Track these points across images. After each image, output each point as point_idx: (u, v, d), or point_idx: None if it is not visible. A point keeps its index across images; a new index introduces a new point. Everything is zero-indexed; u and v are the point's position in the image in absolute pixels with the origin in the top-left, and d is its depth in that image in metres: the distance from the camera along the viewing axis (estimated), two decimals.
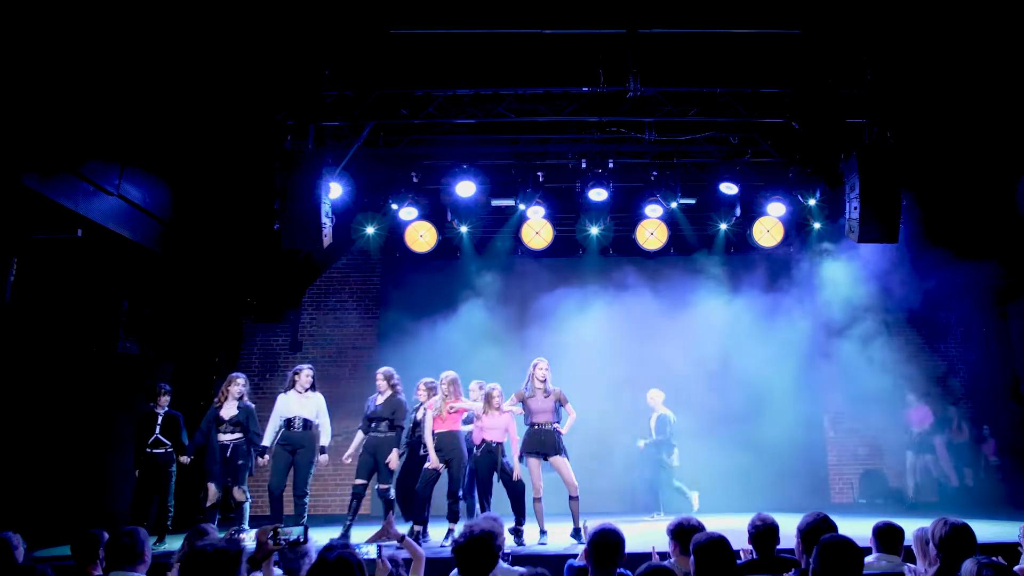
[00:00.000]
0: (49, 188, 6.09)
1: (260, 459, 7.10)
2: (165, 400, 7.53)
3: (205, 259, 8.97)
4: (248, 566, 3.14)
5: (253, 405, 7.40)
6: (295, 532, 3.29)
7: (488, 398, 6.93)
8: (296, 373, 7.36)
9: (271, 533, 3.27)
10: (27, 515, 6.73)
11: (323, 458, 7.21)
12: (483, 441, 6.89)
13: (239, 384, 7.29)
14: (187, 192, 8.24)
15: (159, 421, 7.41)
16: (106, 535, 3.83)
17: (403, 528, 6.86)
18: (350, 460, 7.31)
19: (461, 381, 7.21)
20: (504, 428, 6.90)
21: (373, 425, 7.15)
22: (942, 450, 9.75)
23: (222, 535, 4.50)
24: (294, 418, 7.12)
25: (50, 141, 6.04)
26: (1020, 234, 8.74)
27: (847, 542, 2.96)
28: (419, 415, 7.32)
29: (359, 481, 7.10)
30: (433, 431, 6.90)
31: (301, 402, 7.21)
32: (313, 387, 7.34)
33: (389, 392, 7.22)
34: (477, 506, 7.11)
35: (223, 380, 7.66)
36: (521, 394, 7.04)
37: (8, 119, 5.57)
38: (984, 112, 8.08)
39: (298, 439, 7.09)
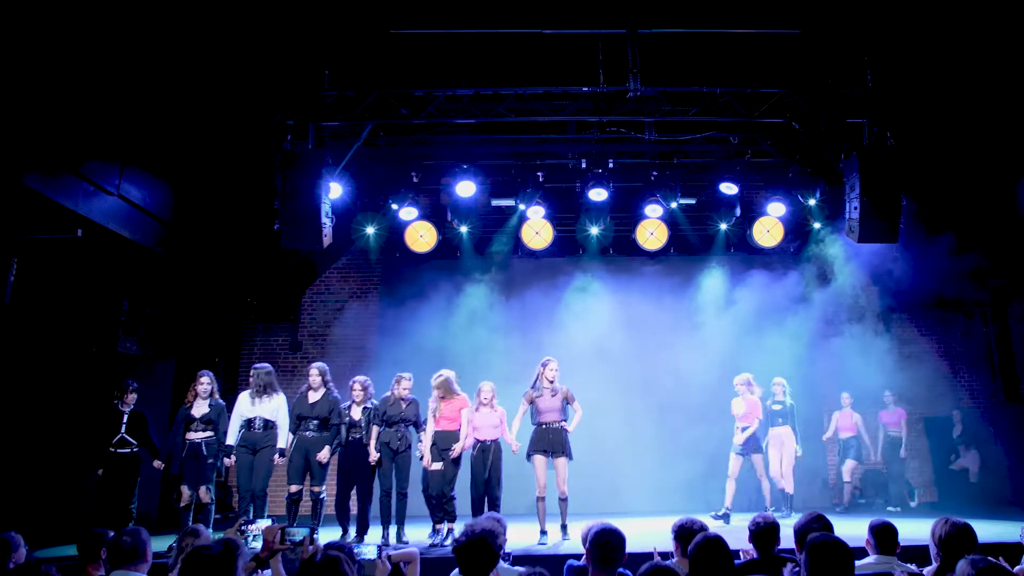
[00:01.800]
0: (49, 188, 6.09)
1: (227, 459, 6.93)
2: (132, 398, 7.35)
3: (205, 259, 8.97)
4: (253, 564, 3.16)
5: (224, 403, 7.22)
6: (300, 533, 3.29)
7: (478, 394, 7.00)
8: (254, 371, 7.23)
9: (278, 533, 3.27)
10: (28, 515, 6.74)
11: (280, 460, 6.99)
12: (476, 440, 6.92)
13: (203, 383, 7.10)
14: (187, 192, 8.24)
15: (124, 419, 7.25)
16: (111, 534, 3.83)
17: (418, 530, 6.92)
18: (283, 461, 7.05)
19: (461, 380, 7.23)
20: (495, 426, 6.94)
21: (303, 424, 7.02)
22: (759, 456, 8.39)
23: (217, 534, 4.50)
24: (254, 418, 6.95)
25: (50, 141, 6.04)
26: (1020, 234, 8.74)
27: (836, 542, 2.95)
28: (355, 415, 7.20)
29: (294, 488, 6.96)
30: (434, 430, 6.95)
31: (261, 402, 7.05)
32: (273, 387, 7.15)
33: (323, 390, 7.12)
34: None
35: (223, 380, 7.61)
36: (531, 394, 7.10)
37: (9, 119, 5.57)
38: (984, 112, 8.08)
39: (259, 439, 6.92)
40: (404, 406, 7.06)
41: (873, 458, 9.78)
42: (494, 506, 6.83)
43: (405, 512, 7.03)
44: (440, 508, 6.82)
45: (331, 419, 7.06)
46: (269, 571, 3.29)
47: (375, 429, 7.03)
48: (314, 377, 7.14)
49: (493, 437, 6.92)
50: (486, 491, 6.85)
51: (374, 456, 6.96)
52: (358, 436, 7.11)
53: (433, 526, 6.94)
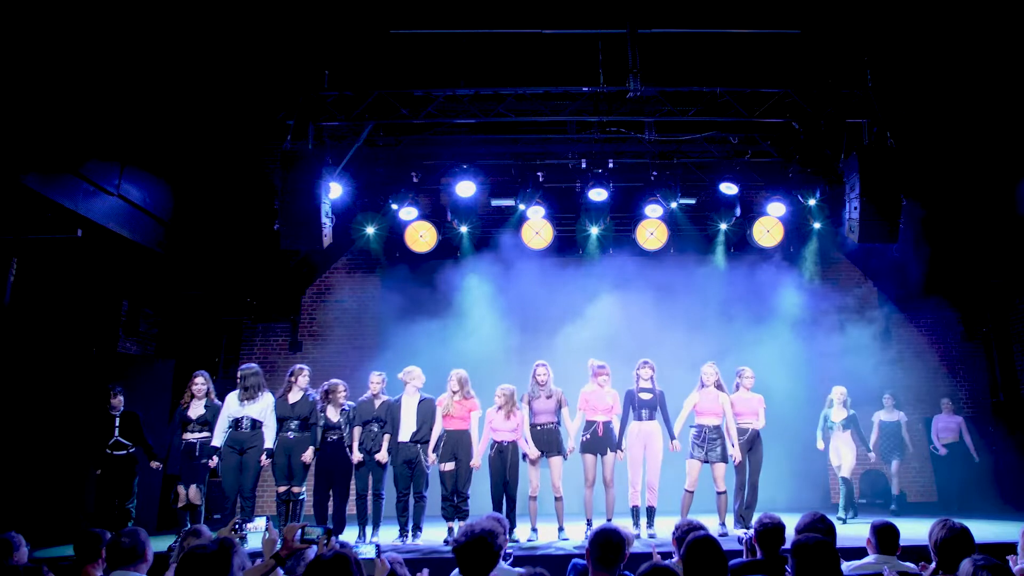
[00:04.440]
0: (49, 188, 6.09)
1: (211, 460, 6.89)
2: (119, 401, 7.33)
3: (205, 259, 8.97)
4: (272, 562, 3.16)
5: (220, 404, 7.16)
6: (315, 532, 3.29)
7: (504, 398, 6.98)
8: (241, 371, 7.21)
9: (298, 532, 3.28)
10: (28, 515, 6.75)
11: (266, 461, 6.95)
12: (494, 442, 6.96)
13: (197, 383, 7.11)
14: (187, 192, 8.24)
15: (116, 423, 7.23)
16: (108, 534, 3.83)
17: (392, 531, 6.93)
18: (268, 462, 7.01)
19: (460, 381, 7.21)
20: (512, 429, 6.95)
21: (285, 425, 7.00)
22: None
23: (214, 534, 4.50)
24: (242, 418, 6.93)
25: (50, 141, 6.04)
26: (1020, 234, 8.74)
27: (821, 543, 2.96)
28: (333, 417, 7.16)
29: (282, 489, 6.97)
30: (444, 429, 6.94)
31: (248, 402, 7.01)
32: (261, 387, 7.13)
33: (302, 391, 7.12)
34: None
35: (223, 380, 7.60)
36: (527, 396, 7.15)
37: (8, 119, 5.57)
38: (984, 112, 8.08)
39: (246, 439, 6.90)
40: (377, 405, 7.10)
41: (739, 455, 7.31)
42: (511, 505, 6.87)
43: (381, 513, 7.08)
44: (454, 506, 6.83)
45: (311, 419, 7.07)
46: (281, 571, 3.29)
47: (357, 431, 7.05)
48: (305, 376, 7.17)
49: (510, 439, 6.94)
50: (505, 491, 6.87)
51: (357, 457, 6.98)
52: (336, 438, 7.12)
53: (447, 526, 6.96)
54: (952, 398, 10.57)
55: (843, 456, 8.43)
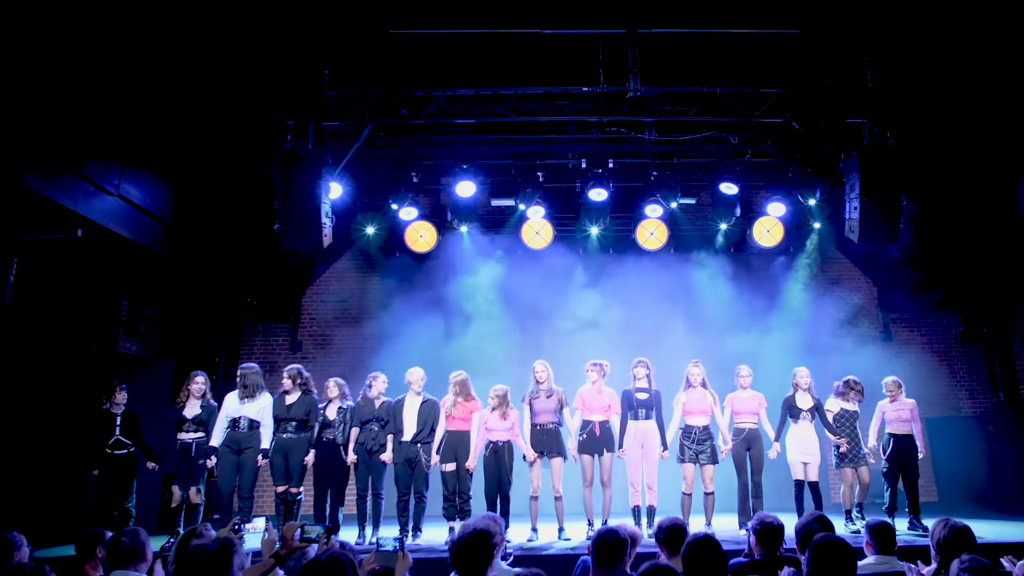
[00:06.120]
0: (49, 188, 6.08)
1: (208, 460, 6.88)
2: (122, 397, 7.22)
3: (205, 259, 8.97)
4: (272, 560, 3.16)
5: (216, 404, 7.14)
6: (314, 531, 3.29)
7: (497, 399, 6.97)
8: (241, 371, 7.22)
9: (298, 531, 3.28)
10: (28, 515, 6.74)
11: (262, 462, 6.94)
12: (489, 442, 6.95)
13: (198, 382, 7.10)
14: (187, 192, 8.24)
15: (117, 421, 7.15)
16: (108, 534, 3.83)
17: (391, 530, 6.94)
18: (265, 462, 7.02)
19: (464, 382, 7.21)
20: (507, 428, 6.93)
21: (282, 426, 7.00)
22: None
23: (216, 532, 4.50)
24: (240, 418, 6.92)
25: (50, 141, 6.04)
26: (1019, 234, 8.74)
27: (840, 542, 2.96)
28: (330, 414, 7.18)
29: (280, 488, 6.97)
30: (446, 430, 6.95)
31: (247, 402, 7.02)
32: (260, 387, 7.14)
33: (299, 392, 7.10)
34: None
35: (224, 380, 7.59)
36: (527, 396, 7.13)
37: (8, 119, 5.57)
38: (984, 113, 8.09)
39: (243, 439, 6.90)
40: (377, 405, 7.09)
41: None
42: (505, 504, 6.87)
43: (380, 513, 7.06)
44: (455, 507, 6.84)
45: (309, 420, 7.04)
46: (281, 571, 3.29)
47: (354, 431, 7.05)
48: (285, 380, 7.13)
49: (505, 439, 6.92)
50: (499, 490, 6.87)
51: (351, 458, 6.99)
52: (331, 437, 7.10)
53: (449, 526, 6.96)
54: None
55: (811, 451, 7.16)
